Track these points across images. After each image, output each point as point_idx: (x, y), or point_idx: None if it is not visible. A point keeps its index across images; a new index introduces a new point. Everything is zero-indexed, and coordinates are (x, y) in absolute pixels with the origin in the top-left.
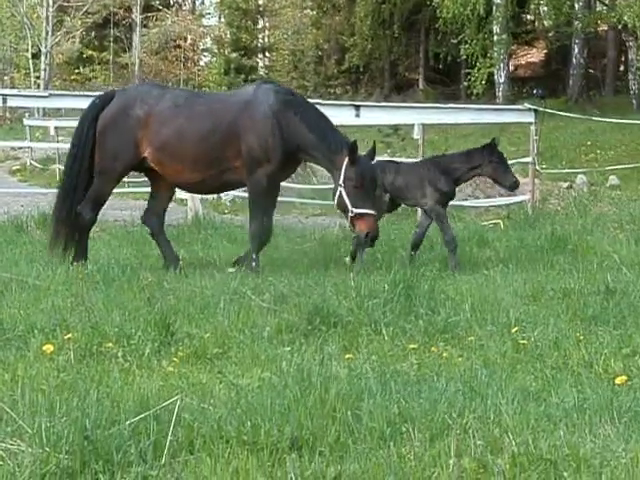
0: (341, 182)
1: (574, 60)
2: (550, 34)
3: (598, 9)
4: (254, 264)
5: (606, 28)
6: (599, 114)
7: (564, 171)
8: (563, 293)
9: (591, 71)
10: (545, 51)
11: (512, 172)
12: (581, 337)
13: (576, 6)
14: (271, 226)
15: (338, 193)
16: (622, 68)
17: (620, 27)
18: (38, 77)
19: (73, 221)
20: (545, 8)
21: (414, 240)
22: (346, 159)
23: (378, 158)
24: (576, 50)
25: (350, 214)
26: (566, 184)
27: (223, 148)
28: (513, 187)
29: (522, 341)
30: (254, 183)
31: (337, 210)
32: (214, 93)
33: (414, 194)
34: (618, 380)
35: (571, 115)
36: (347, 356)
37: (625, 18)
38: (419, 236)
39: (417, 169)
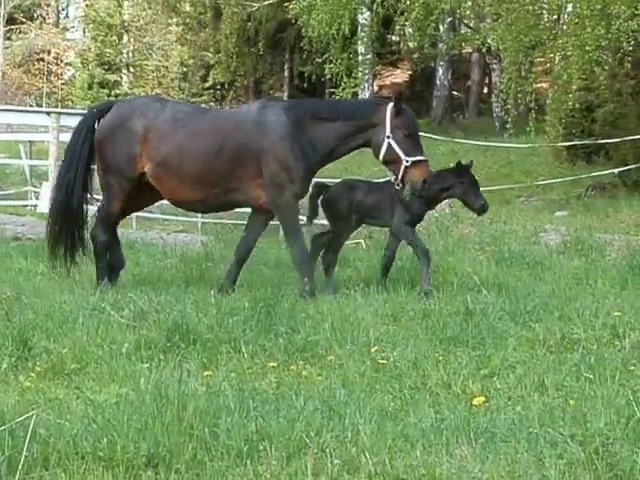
0: (388, 134)
1: (438, 82)
2: (415, 55)
3: (463, 31)
4: (308, 288)
5: (471, 50)
6: (462, 136)
7: None
8: (423, 313)
9: (455, 93)
10: (409, 72)
11: (482, 195)
12: (440, 358)
13: (441, 28)
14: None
15: (386, 145)
16: (486, 90)
17: (484, 50)
18: None
19: (68, 232)
20: (410, 30)
21: (383, 264)
22: (388, 111)
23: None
24: (440, 72)
25: (405, 164)
26: None
27: (232, 168)
28: (482, 210)
29: (381, 361)
30: (283, 206)
31: (383, 164)
32: (216, 109)
33: (384, 214)
34: (476, 401)
35: (434, 136)
36: (206, 373)
37: (489, 41)
38: (389, 259)
39: (389, 188)
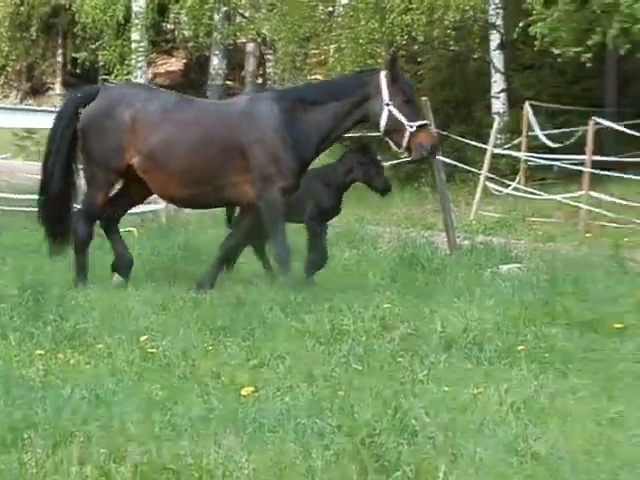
0: (387, 101)
1: (213, 71)
2: (190, 44)
3: (238, 21)
4: (289, 281)
5: (245, 40)
6: None
7: None
8: (194, 303)
9: (230, 82)
10: (184, 61)
11: (385, 176)
12: (210, 347)
13: (216, 17)
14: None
15: (387, 114)
16: (261, 81)
17: (259, 40)
18: None
19: (57, 222)
20: (185, 18)
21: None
22: (383, 79)
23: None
24: (215, 61)
25: (410, 129)
26: None
27: (220, 162)
28: (385, 191)
29: (150, 350)
30: (269, 201)
31: (384, 135)
32: (206, 101)
33: (301, 211)
34: (244, 391)
35: None
36: None
37: (264, 31)
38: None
39: (303, 184)
